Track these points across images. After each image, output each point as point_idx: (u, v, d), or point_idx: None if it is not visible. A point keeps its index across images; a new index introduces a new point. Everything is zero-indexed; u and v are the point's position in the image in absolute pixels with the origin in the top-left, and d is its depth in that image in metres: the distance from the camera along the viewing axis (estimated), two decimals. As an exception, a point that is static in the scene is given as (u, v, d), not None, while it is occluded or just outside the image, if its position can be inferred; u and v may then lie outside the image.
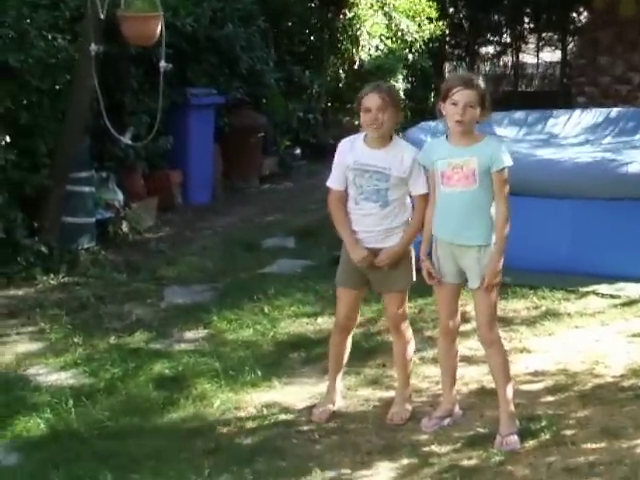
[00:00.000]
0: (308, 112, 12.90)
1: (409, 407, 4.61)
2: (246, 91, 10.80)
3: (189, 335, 5.84)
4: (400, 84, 15.72)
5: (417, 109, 16.99)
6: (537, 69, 19.88)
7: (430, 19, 15.94)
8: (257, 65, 10.79)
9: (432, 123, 8.87)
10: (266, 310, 6.18)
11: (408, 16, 15.54)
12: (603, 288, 6.43)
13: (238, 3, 10.51)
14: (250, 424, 4.52)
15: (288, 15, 12.53)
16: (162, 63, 7.09)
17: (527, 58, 20.12)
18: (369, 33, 14.39)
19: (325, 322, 5.96)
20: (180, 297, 6.61)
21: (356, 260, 4.37)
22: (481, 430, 4.40)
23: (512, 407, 4.33)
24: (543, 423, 4.38)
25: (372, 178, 4.33)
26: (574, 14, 18.36)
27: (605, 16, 12.58)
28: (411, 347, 4.63)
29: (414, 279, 4.53)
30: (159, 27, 7.06)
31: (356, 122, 15.67)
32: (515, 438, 4.22)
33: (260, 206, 10.09)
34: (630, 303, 6.20)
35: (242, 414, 4.64)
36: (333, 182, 4.46)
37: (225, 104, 10.31)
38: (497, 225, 4.17)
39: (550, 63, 19.87)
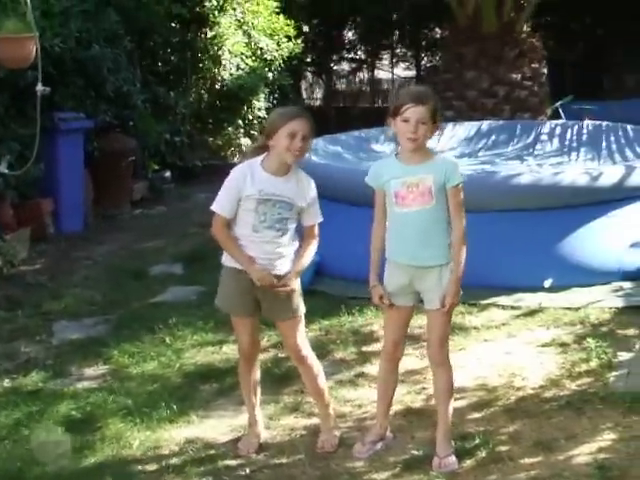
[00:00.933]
0: (175, 134, 12.61)
1: (337, 433, 4.48)
2: (114, 114, 10.46)
3: (89, 372, 5.52)
4: (262, 103, 15.65)
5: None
6: (392, 85, 20.19)
7: (288, 37, 15.95)
8: (124, 87, 10.46)
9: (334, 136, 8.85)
10: (168, 341, 5.92)
11: (267, 34, 15.50)
12: (503, 299, 6.48)
13: (104, 23, 10.15)
14: (174, 463, 4.28)
15: (151, 35, 12.23)
16: (39, 87, 6.82)
17: (382, 74, 20.42)
18: (230, 52, 14.25)
19: (231, 350, 5.75)
20: (72, 332, 6.26)
21: (258, 279, 4.16)
22: (415, 453, 4.31)
23: (449, 428, 4.26)
24: (477, 441, 4.33)
25: (276, 207, 4.18)
26: (426, 31, 18.74)
27: (468, 32, 12.86)
28: (321, 376, 4.47)
29: (303, 309, 4.37)
30: (34, 48, 6.75)
31: (219, 142, 15.57)
32: (453, 459, 4.15)
33: (136, 232, 9.76)
34: (531, 313, 6.26)
35: (164, 452, 4.41)
36: (222, 209, 4.20)
37: (94, 128, 9.94)
38: (455, 242, 4.08)
39: (405, 79, 20.23)
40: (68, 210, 9.58)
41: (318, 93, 20.91)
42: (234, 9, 14.34)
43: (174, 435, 4.57)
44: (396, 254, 4.18)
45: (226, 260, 4.33)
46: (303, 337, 4.39)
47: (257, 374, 4.52)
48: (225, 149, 15.34)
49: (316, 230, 4.32)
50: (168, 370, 5.46)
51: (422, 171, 4.08)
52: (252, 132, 15.81)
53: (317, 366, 4.44)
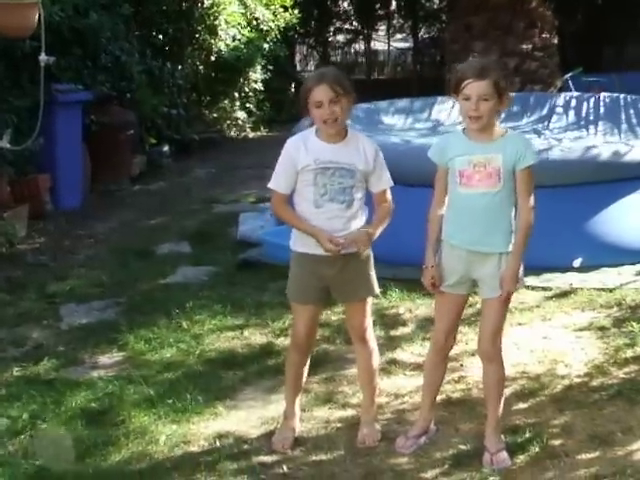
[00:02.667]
0: (171, 107, 12.26)
1: (378, 427, 4.20)
2: (111, 85, 10.10)
3: (104, 359, 5.20)
4: (258, 75, 15.34)
5: (276, 100, 16.65)
6: (388, 57, 19.81)
7: (285, 7, 15.60)
8: (122, 57, 10.09)
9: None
10: (185, 325, 5.61)
11: (262, 4, 15.14)
12: (531, 280, 6.15)
13: (100, -11, 9.76)
14: (206, 460, 3.98)
15: (148, 3, 11.83)
16: (42, 56, 6.44)
17: (378, 45, 20.03)
18: (227, 22, 13.89)
19: (252, 335, 5.48)
20: (81, 316, 5.93)
21: (328, 247, 3.85)
22: (463, 447, 4.04)
23: (500, 423, 3.99)
24: (528, 434, 4.07)
25: (336, 175, 3.87)
26: (424, 1, 18.37)
27: (477, 1, 12.52)
28: (376, 356, 4.21)
29: (377, 290, 4.12)
30: (36, 16, 6.38)
31: (214, 115, 15.20)
32: (505, 455, 3.89)
33: (138, 209, 9.43)
34: (563, 294, 6.01)
35: (194, 449, 4.10)
36: (279, 186, 3.96)
37: (92, 100, 9.57)
38: (520, 227, 3.76)
39: (402, 50, 19.86)
40: (66, 186, 9.25)
41: (312, 65, 20.54)
42: (230, -24, 13.99)
43: (202, 429, 4.28)
44: (454, 237, 3.85)
45: (293, 244, 4.05)
46: (370, 316, 4.14)
47: (306, 367, 4.23)
48: (221, 122, 15.01)
49: (388, 195, 3.99)
50: (188, 357, 5.16)
51: (491, 150, 3.74)
52: (248, 105, 15.49)
53: (376, 348, 4.20)
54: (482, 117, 3.68)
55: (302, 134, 4.04)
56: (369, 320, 4.15)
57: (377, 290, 4.14)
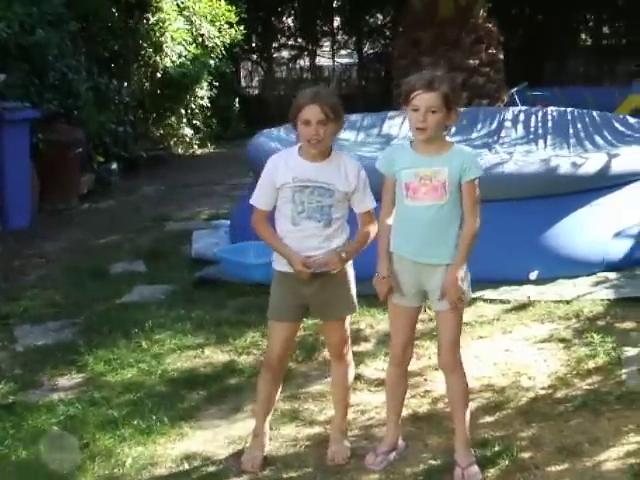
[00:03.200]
0: (118, 124, 12.14)
1: (348, 444, 4.17)
2: (58, 103, 9.96)
3: (63, 382, 5.09)
4: (205, 92, 15.27)
5: (222, 116, 16.60)
6: (333, 72, 19.88)
7: (230, 23, 15.56)
8: (69, 74, 9.97)
9: (275, 131, 8.46)
10: (144, 345, 5.52)
11: (207, 20, 15.09)
12: (489, 293, 6.23)
13: (47, 6, 9.61)
14: (175, 483, 3.93)
15: (94, 20, 11.72)
16: (-6, 74, 6.31)
17: (323, 61, 20.09)
18: (173, 39, 13.82)
19: (213, 353, 5.42)
20: (37, 337, 5.81)
21: (298, 270, 3.85)
22: (433, 462, 4.03)
23: (468, 435, 3.99)
24: (497, 447, 4.08)
25: (314, 194, 3.86)
26: (367, 17, 18.46)
27: (424, 16, 12.61)
28: (351, 371, 4.21)
29: (356, 307, 4.12)
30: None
31: (161, 132, 15.10)
32: (476, 469, 3.89)
33: (87, 227, 9.29)
34: (522, 307, 6.05)
35: (162, 471, 4.03)
36: (259, 202, 3.97)
37: (39, 118, 9.43)
38: (463, 237, 3.78)
39: (346, 66, 19.93)
40: (14, 205, 9.09)
41: (256, 81, 20.52)
42: (175, -7, 13.94)
43: (169, 450, 4.21)
44: (401, 249, 3.87)
45: (275, 263, 4.01)
46: (347, 333, 4.12)
47: (279, 385, 4.19)
48: (168, 139, 14.92)
49: (372, 216, 3.97)
50: (150, 377, 5.07)
51: (437, 163, 3.77)
52: (194, 121, 15.41)
53: (352, 365, 4.19)
54: (428, 129, 3.70)
55: (286, 151, 4.06)
56: (347, 336, 4.13)
57: (356, 307, 4.13)
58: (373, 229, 3.96)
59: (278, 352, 4.05)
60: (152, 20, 13.33)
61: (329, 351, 4.25)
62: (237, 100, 18.00)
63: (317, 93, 3.86)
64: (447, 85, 3.75)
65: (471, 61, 12.67)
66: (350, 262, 4.01)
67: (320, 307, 4.01)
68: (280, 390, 4.23)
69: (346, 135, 9.13)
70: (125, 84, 12.67)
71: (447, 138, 3.93)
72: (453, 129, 9.38)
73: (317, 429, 4.39)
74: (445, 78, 3.82)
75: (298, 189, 3.85)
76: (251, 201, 4.00)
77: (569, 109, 9.45)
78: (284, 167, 3.88)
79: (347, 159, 3.98)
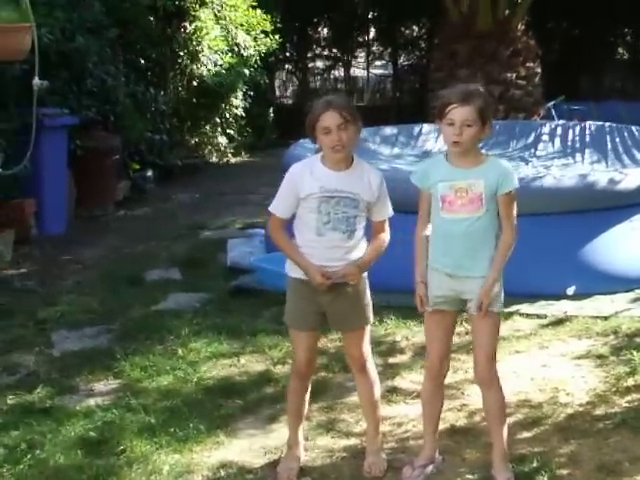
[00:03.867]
0: (154, 132, 12.21)
1: (384, 456, 4.16)
2: (97, 109, 10.04)
3: (100, 387, 5.12)
4: (239, 101, 15.31)
5: (257, 126, 16.64)
6: (368, 83, 19.88)
7: (265, 32, 15.59)
8: (108, 81, 10.04)
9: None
10: (180, 352, 5.54)
11: (243, 29, 15.14)
12: (525, 307, 6.20)
13: (87, 13, 9.69)
14: (211, 492, 3.94)
15: (133, 28, 11.80)
16: (36, 80, 6.41)
17: (358, 72, 20.10)
18: (210, 47, 13.88)
19: (249, 362, 5.43)
20: (73, 343, 5.86)
21: (316, 282, 3.85)
22: (470, 477, 4.02)
23: (506, 450, 3.96)
24: (534, 464, 4.05)
25: (340, 205, 3.85)
26: (403, 28, 18.46)
27: (462, 29, 12.60)
28: (377, 387, 4.18)
29: (371, 318, 4.10)
30: (29, 39, 6.34)
31: (196, 140, 15.17)
32: (515, 484, 3.86)
33: (124, 234, 9.34)
34: (559, 322, 6.01)
35: (198, 479, 4.04)
36: (278, 209, 3.96)
37: (78, 125, 9.50)
38: (500, 248, 3.78)
39: (381, 77, 19.93)
40: (51, 211, 9.15)
41: (290, 91, 20.57)
42: (212, 1, 13.99)
43: (205, 458, 4.22)
44: (438, 262, 3.87)
45: (289, 270, 4.00)
46: (368, 345, 4.09)
47: (308, 393, 4.19)
48: (202, 147, 14.97)
49: (386, 225, 3.99)
50: (186, 385, 5.09)
51: (473, 175, 3.77)
52: (229, 130, 15.46)
53: (376, 377, 4.16)
54: (464, 142, 3.70)
55: (307, 161, 4.02)
56: (367, 349, 4.10)
57: (371, 319, 4.11)
58: (386, 237, 3.98)
59: (304, 360, 4.06)
60: (189, 29, 13.39)
61: (351, 364, 4.23)
62: (271, 109, 18.04)
63: (330, 101, 3.86)
64: (482, 99, 3.76)
65: (508, 74, 12.61)
66: (365, 274, 4.00)
67: (336, 317, 4.01)
68: (309, 398, 4.21)
69: (381, 149, 9.14)
70: (162, 92, 12.73)
71: (484, 151, 3.94)
72: (490, 141, 9.42)
73: (353, 441, 4.38)
74: (480, 91, 3.83)
75: (325, 199, 3.83)
76: (270, 208, 3.99)
77: (607, 124, 9.39)
78: (310, 177, 3.86)
79: (369, 168, 3.97)
